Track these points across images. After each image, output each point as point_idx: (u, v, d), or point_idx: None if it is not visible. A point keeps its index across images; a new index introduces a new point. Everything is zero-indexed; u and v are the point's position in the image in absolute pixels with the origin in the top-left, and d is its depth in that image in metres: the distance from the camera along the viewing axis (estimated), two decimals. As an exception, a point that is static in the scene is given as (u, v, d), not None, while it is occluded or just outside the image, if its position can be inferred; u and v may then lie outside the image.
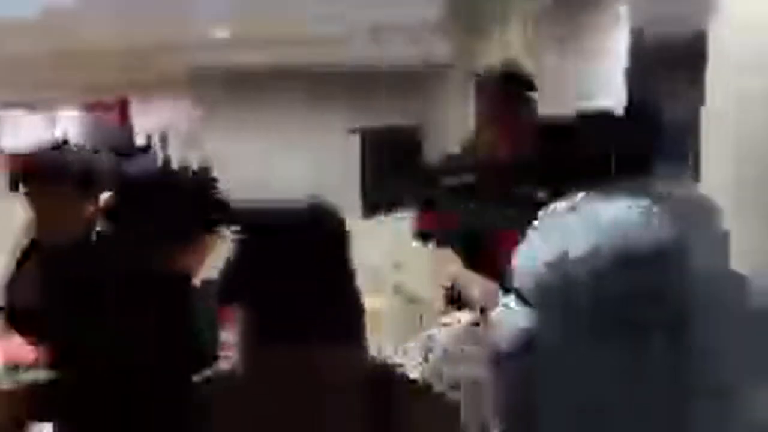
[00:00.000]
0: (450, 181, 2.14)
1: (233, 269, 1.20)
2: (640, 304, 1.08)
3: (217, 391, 1.15)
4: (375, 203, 10.38)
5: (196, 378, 1.21)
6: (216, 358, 1.24)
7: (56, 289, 1.49)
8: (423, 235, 2.29)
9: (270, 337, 1.12)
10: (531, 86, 2.11)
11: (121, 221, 1.48)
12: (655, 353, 1.09)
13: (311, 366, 1.09)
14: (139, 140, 9.83)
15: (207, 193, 1.52)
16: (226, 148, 8.15)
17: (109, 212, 1.57)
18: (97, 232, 1.61)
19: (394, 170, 10.44)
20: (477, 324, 1.36)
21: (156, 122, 9.71)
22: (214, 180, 1.58)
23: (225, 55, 7.37)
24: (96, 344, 1.31)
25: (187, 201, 1.47)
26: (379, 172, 10.67)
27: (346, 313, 1.14)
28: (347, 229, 1.17)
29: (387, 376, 1.12)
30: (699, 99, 2.16)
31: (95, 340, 1.32)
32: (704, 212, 1.18)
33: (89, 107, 9.91)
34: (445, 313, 1.80)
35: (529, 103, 2.08)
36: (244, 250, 1.17)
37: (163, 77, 8.28)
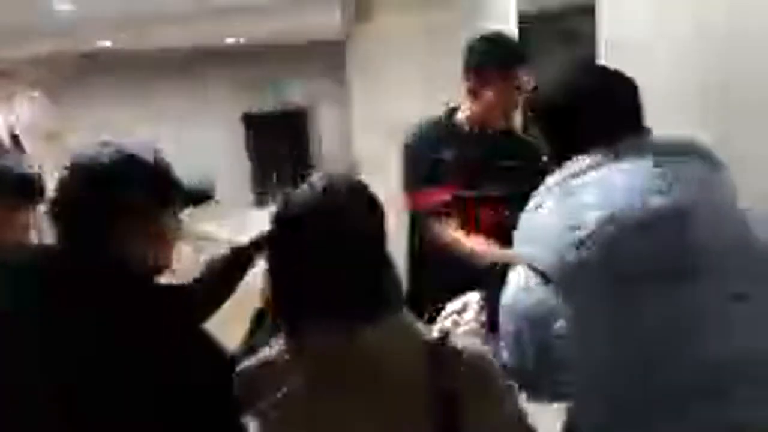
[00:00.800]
0: (439, 154, 2.09)
1: (271, 255, 1.16)
2: (659, 262, 1.12)
3: (264, 377, 1.14)
4: (264, 191, 10.07)
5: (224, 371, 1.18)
6: (253, 349, 1.18)
7: None
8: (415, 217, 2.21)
9: (312, 319, 1.10)
10: (522, 55, 2.08)
11: (61, 224, 1.26)
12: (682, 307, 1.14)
13: (355, 344, 1.08)
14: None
15: (156, 175, 1.31)
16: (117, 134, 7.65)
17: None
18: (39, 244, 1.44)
19: (279, 155, 10.20)
20: (482, 306, 1.39)
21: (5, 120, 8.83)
22: (161, 161, 1.33)
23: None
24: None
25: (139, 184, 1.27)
26: (265, 158, 10.35)
27: (386, 288, 1.14)
28: (382, 204, 1.16)
29: (432, 348, 1.13)
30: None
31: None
32: (707, 163, 1.22)
33: None
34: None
35: (516, 74, 2.06)
36: (280, 237, 1.14)
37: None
